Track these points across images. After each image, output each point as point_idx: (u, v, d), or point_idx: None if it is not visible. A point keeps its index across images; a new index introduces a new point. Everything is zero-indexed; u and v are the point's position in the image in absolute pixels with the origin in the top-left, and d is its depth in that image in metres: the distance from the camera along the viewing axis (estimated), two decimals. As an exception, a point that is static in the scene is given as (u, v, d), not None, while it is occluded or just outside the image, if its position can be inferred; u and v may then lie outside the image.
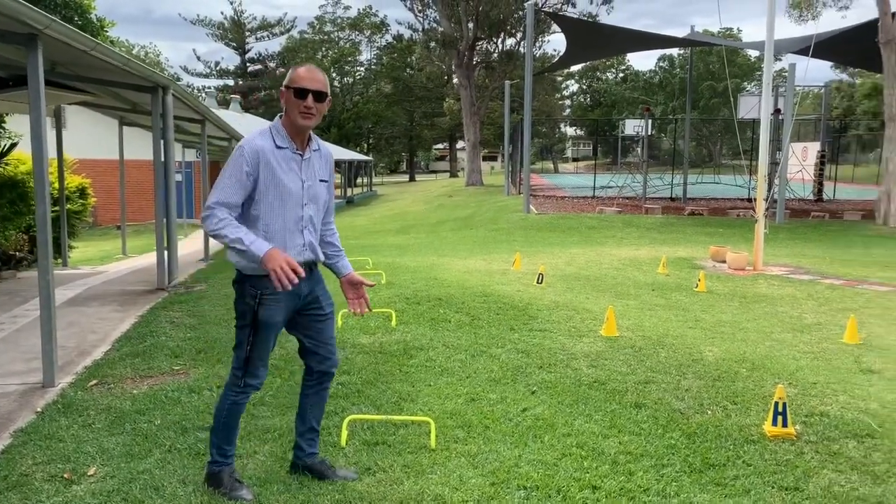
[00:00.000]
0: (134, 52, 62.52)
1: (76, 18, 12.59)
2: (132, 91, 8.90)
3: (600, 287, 8.72)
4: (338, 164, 36.48)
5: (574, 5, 40.15)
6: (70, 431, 3.87)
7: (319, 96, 2.95)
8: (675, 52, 61.32)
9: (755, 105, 20.54)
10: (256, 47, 61.40)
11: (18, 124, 11.18)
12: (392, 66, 60.97)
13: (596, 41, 25.54)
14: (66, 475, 3.33)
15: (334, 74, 61.80)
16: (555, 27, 34.40)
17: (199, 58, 68.94)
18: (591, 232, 17.39)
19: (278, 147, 2.95)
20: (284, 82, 2.99)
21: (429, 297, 7.41)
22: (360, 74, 65.46)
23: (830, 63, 47.07)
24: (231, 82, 59.43)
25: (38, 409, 4.23)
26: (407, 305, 7.00)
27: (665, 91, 63.56)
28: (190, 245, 16.23)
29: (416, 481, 3.27)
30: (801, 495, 3.20)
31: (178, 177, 23.33)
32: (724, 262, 10.95)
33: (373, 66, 65.65)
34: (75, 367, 5.16)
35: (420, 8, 43.18)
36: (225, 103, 43.64)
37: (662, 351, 5.49)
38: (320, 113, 2.98)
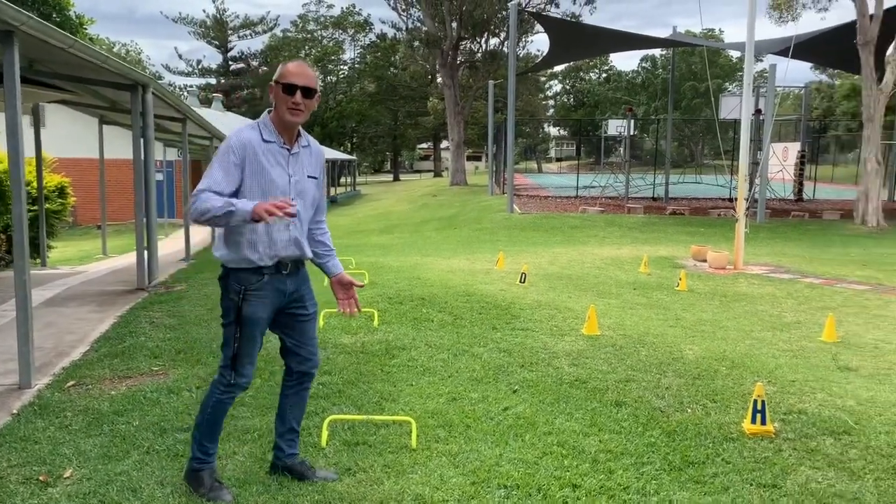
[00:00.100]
0: (115, 50, 61.98)
1: (54, 15, 12.47)
2: (111, 89, 8.83)
3: (582, 286, 8.75)
4: (321, 163, 36.28)
5: (557, 5, 40.33)
6: (46, 433, 3.82)
7: (308, 92, 2.93)
8: (657, 52, 61.68)
9: (736, 105, 20.70)
10: (239, 46, 60.94)
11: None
12: (376, 65, 60.81)
13: (579, 41, 25.61)
14: (41, 477, 3.29)
15: (317, 73, 61.48)
16: (538, 27, 34.46)
17: (181, 56, 68.60)
18: (573, 231, 17.45)
19: (265, 141, 2.93)
20: (274, 77, 2.96)
21: (412, 296, 7.40)
22: (343, 73, 65.26)
23: (810, 64, 47.56)
24: (213, 81, 59.05)
25: (14, 411, 4.18)
26: (389, 305, 6.99)
27: (647, 91, 63.89)
28: (171, 245, 16.12)
29: (397, 481, 3.26)
30: (779, 492, 3.23)
31: (159, 176, 23.17)
32: (705, 261, 11.03)
33: (356, 65, 65.46)
34: (53, 368, 5.10)
35: (404, 7, 43.15)
36: (207, 102, 43.33)
37: (643, 349, 5.52)
38: (309, 109, 2.96)
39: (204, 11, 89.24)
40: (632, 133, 26.76)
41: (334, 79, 63.14)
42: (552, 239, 16.04)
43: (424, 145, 77.47)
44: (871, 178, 18.77)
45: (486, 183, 34.13)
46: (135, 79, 7.94)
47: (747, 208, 11.32)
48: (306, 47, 62.23)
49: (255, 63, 60.36)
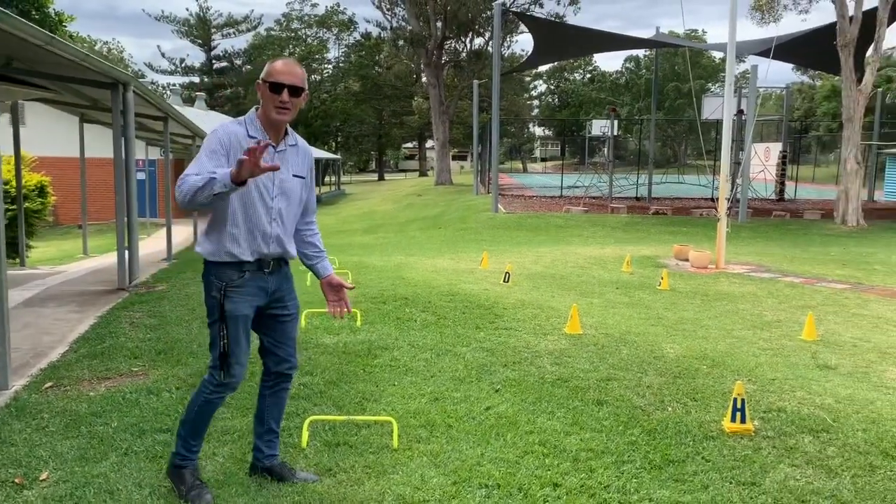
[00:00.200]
0: (97, 48, 61.41)
1: (34, 12, 12.32)
2: (92, 87, 8.75)
3: (566, 285, 8.77)
4: (305, 162, 36.15)
5: (542, 6, 40.43)
6: (22, 435, 3.77)
7: (295, 91, 2.90)
8: (641, 53, 62.06)
9: (719, 106, 20.84)
10: (223, 44, 60.84)
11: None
12: (360, 64, 60.66)
13: (563, 42, 25.70)
14: (17, 480, 3.25)
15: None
16: (523, 27, 34.55)
17: (163, 55, 67.86)
18: (557, 231, 17.50)
19: (251, 136, 2.90)
20: (261, 75, 2.94)
21: (395, 296, 7.38)
22: (327, 72, 65.04)
23: (792, 65, 47.99)
24: (196, 79, 58.64)
25: (-10, 413, 4.12)
26: (372, 305, 6.97)
27: (631, 92, 64.23)
28: (153, 244, 16.00)
29: (378, 482, 3.25)
30: (758, 490, 3.25)
31: (141, 175, 23.00)
32: (686, 260, 11.10)
33: (341, 64, 65.26)
34: (30, 369, 5.04)
35: (388, 6, 43.08)
36: (190, 101, 43.07)
37: (625, 348, 5.54)
38: (296, 107, 2.94)
39: (187, 10, 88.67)
40: (615, 133, 26.88)
41: (319, 78, 62.90)
42: (536, 238, 16.08)
43: (409, 145, 77.40)
44: (850, 178, 18.98)
45: (471, 182, 34.16)
46: (115, 77, 7.87)
47: (729, 208, 11.40)
48: (290, 46, 61.96)
49: (238, 62, 60.03)
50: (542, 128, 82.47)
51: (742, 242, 14.91)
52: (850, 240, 16.26)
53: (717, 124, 24.01)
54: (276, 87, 2.87)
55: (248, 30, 59.99)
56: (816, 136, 44.69)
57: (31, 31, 5.11)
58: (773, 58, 17.52)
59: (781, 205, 23.65)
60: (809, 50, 21.90)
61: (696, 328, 6.55)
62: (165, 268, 10.59)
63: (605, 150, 28.71)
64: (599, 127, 29.59)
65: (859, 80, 18.58)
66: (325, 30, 64.26)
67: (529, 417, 4.06)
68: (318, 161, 40.31)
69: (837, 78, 22.67)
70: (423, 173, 65.41)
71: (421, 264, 10.40)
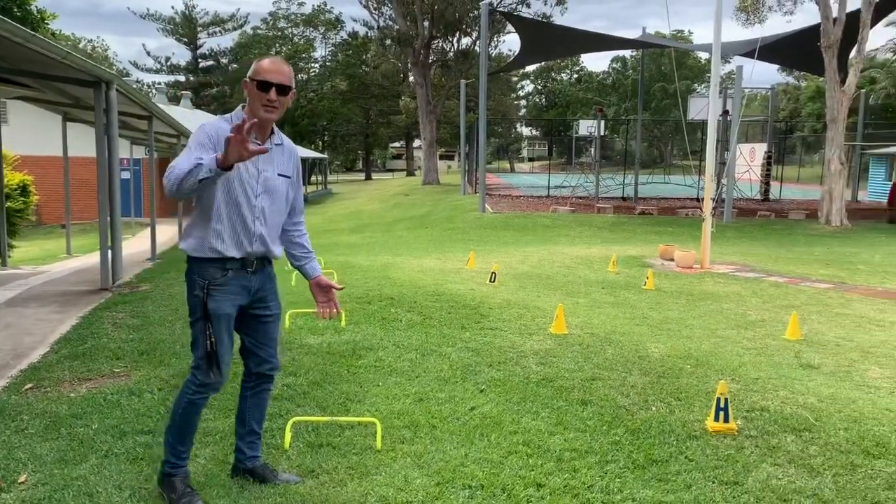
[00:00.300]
0: (80, 46, 60.91)
1: (15, 10, 12.20)
2: (74, 86, 8.68)
3: (552, 285, 8.78)
4: (292, 162, 35.98)
5: (529, 6, 40.47)
6: (1, 437, 3.72)
7: (283, 90, 2.88)
8: (627, 53, 62.30)
9: (705, 106, 20.95)
10: (208, 43, 60.46)
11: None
12: (347, 63, 60.51)
13: (550, 42, 25.76)
14: (-6, 483, 3.21)
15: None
16: (510, 27, 34.58)
17: (148, 53, 67.49)
18: (544, 231, 17.53)
19: None
20: (248, 73, 2.91)
21: (380, 296, 7.36)
22: (314, 71, 64.83)
23: (777, 66, 48.32)
24: (182, 78, 58.28)
25: (-31, 415, 4.07)
26: (358, 305, 6.95)
27: (618, 92, 64.49)
28: (137, 244, 15.89)
29: (361, 483, 3.24)
30: (741, 489, 3.26)
31: (126, 174, 22.83)
32: (672, 260, 11.14)
33: (328, 63, 65.07)
34: (10, 370, 4.98)
35: (375, 5, 42.99)
36: (176, 100, 42.80)
37: (609, 348, 5.55)
38: (284, 106, 2.92)
39: (172, 8, 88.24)
40: (602, 134, 26.95)
41: (305, 77, 62.70)
42: (523, 238, 16.10)
43: (397, 144, 77.31)
44: (834, 179, 19.13)
45: (458, 182, 34.16)
46: (98, 75, 7.80)
47: (714, 208, 11.46)
48: (277, 45, 61.71)
49: (224, 60, 59.71)
50: (530, 128, 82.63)
51: (727, 242, 14.99)
52: (833, 240, 16.39)
53: (703, 125, 24.14)
54: (263, 86, 2.85)
55: (235, 28, 59.72)
56: (801, 136, 45.03)
57: (11, 28, 5.05)
58: (759, 58, 17.64)
59: (766, 205, 23.81)
60: (794, 51, 22.07)
61: (681, 328, 6.57)
62: (149, 268, 10.52)
63: (592, 150, 28.80)
64: (586, 127, 29.65)
65: (843, 82, 18.73)
66: (311, 29, 64.07)
67: (514, 417, 4.06)
68: (304, 160, 40.17)
69: (822, 79, 22.85)
70: (410, 173, 65.33)
71: (407, 264, 10.38)
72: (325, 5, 63.28)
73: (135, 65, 59.81)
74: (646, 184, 28.40)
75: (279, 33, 63.34)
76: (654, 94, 58.23)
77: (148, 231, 15.45)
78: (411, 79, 47.74)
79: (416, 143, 61.33)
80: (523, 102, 74.83)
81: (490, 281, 8.64)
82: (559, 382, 4.67)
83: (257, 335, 3.14)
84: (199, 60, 58.77)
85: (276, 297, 3.18)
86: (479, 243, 14.70)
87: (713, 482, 3.32)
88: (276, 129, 3.02)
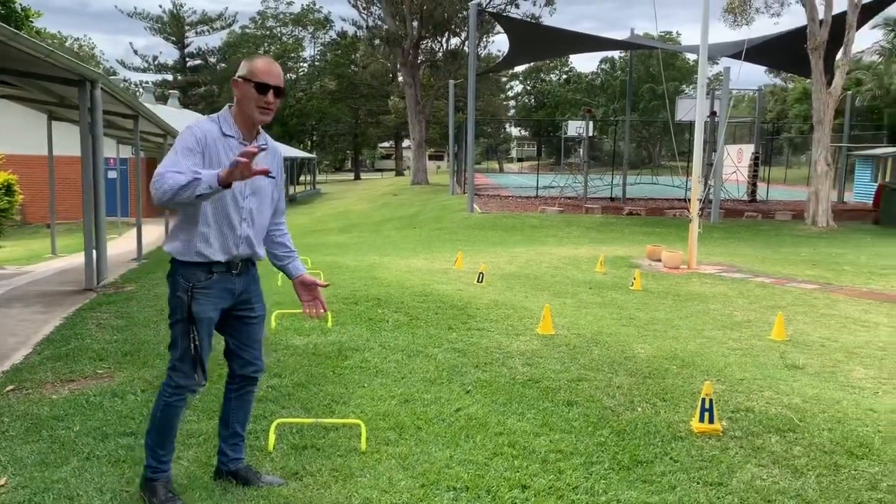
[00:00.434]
0: (67, 44, 60.47)
1: (-1, 8, 12.09)
2: (59, 84, 8.60)
3: (539, 286, 8.79)
4: (280, 161, 35.85)
5: (517, 6, 40.52)
6: (-19, 440, 3.68)
7: (279, 92, 2.89)
8: (616, 54, 62.46)
9: (692, 107, 21.04)
10: (196, 42, 60.15)
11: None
12: (336, 62, 60.36)
13: (539, 42, 25.77)
14: (-27, 486, 3.17)
15: (277, 70, 60.79)
16: (499, 27, 34.60)
17: (136, 52, 66.97)
18: (532, 231, 17.55)
19: (225, 135, 2.87)
20: (241, 73, 2.87)
21: (367, 296, 7.34)
22: (303, 71, 64.65)
23: (765, 68, 48.59)
24: (170, 77, 57.96)
25: (-52, 417, 4.02)
26: (344, 306, 6.92)
27: (606, 93, 64.64)
28: (123, 244, 15.78)
29: (345, 485, 3.22)
30: (725, 490, 3.26)
31: (113, 174, 22.68)
32: (659, 260, 11.17)
33: (316, 63, 64.90)
34: (-8, 371, 4.93)
35: (364, 5, 42.90)
36: (163, 99, 42.55)
37: (596, 349, 5.55)
38: (276, 108, 2.92)
39: (160, 7, 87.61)
40: (591, 134, 27.01)
41: (294, 76, 62.51)
42: (511, 239, 16.10)
43: (386, 144, 77.21)
44: (821, 180, 19.24)
45: (447, 182, 34.14)
46: (82, 74, 7.73)
47: (701, 209, 11.50)
48: (265, 44, 61.51)
49: (213, 60, 59.44)
50: (519, 128, 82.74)
51: (714, 243, 15.05)
52: (820, 240, 16.49)
53: (691, 126, 24.24)
54: (262, 88, 2.84)
55: (223, 27, 59.46)
56: (788, 137, 45.30)
57: (-7, 26, 5.00)
58: (746, 60, 17.73)
59: (753, 206, 23.93)
60: (781, 53, 22.19)
61: (667, 328, 6.58)
62: (135, 268, 10.45)
63: (581, 150, 28.87)
64: (575, 128, 29.70)
65: (829, 83, 18.85)
66: (300, 28, 63.88)
67: (499, 419, 4.05)
68: (293, 160, 40.06)
69: (808, 81, 23.02)
70: (399, 173, 65.26)
71: (395, 264, 10.36)
72: (314, 5, 63.14)
73: (122, 63, 59.55)
74: (634, 184, 28.49)
75: (268, 32, 63.13)
76: (643, 95, 58.42)
77: (134, 231, 15.35)
78: (400, 79, 47.68)
79: (406, 143, 61.27)
80: (512, 103, 74.91)
81: (478, 281, 8.63)
82: (545, 383, 4.67)
83: (241, 337, 3.12)
84: (187, 59, 58.49)
85: (260, 298, 3.16)
86: (467, 243, 14.70)
87: (698, 483, 3.33)
88: (261, 129, 3.01)
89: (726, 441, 3.79)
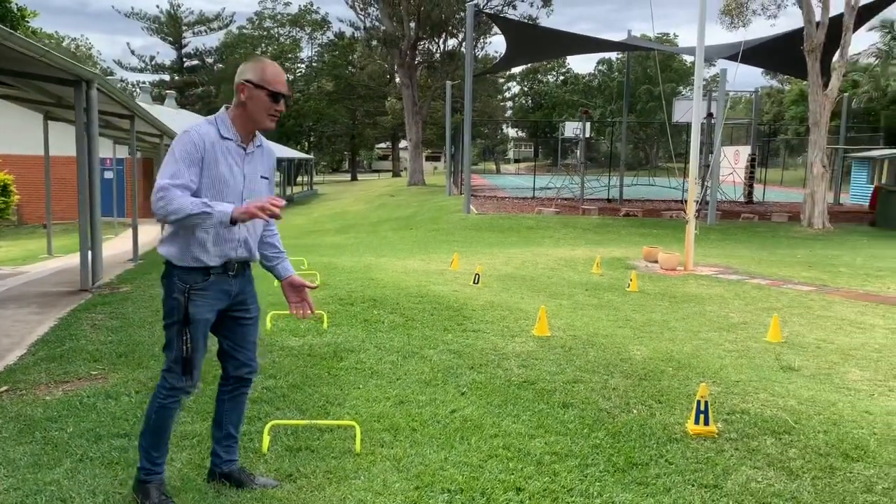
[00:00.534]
0: (64, 44, 60.36)
1: (-5, 8, 12.06)
2: (55, 84, 8.58)
3: (535, 287, 8.78)
4: (277, 162, 35.89)
5: (515, 7, 40.53)
6: (-26, 441, 3.66)
7: (287, 99, 2.94)
8: (613, 56, 62.50)
9: (689, 109, 21.05)
10: (194, 42, 59.86)
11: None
12: (334, 63, 60.36)
13: (536, 44, 25.77)
14: (-35, 488, 3.15)
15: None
16: (496, 29, 34.60)
17: (133, 52, 66.92)
18: (529, 232, 17.54)
19: (223, 138, 2.86)
20: (251, 78, 2.86)
21: (363, 297, 7.33)
22: (300, 71, 64.64)
23: (762, 70, 48.69)
24: (167, 77, 57.93)
25: (-59, 418, 4.00)
26: (340, 307, 6.90)
27: (604, 94, 64.69)
28: (120, 244, 15.75)
29: (339, 487, 3.21)
30: (720, 492, 3.26)
31: (110, 174, 22.62)
32: (656, 262, 11.17)
33: (314, 64, 64.88)
34: (-15, 372, 4.91)
35: (362, 6, 42.90)
36: (160, 99, 42.50)
37: (592, 350, 5.55)
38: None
39: (157, 7, 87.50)
40: (587, 135, 27.01)
41: (291, 77, 62.47)
42: (507, 240, 16.10)
43: (383, 145, 77.20)
44: (817, 182, 19.27)
45: (444, 183, 34.13)
46: (78, 74, 7.71)
47: (698, 210, 11.51)
48: (262, 45, 61.49)
49: (210, 60, 59.39)
50: (516, 129, 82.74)
51: (711, 244, 15.06)
52: (816, 242, 16.52)
53: (688, 127, 24.25)
54: (275, 97, 2.87)
55: (220, 28, 59.50)
56: (785, 139, 45.36)
57: (-12, 25, 4.98)
58: (742, 62, 17.74)
59: (750, 207, 23.95)
60: (777, 54, 22.22)
61: (663, 330, 6.58)
62: (131, 268, 10.43)
63: (578, 151, 28.87)
64: (572, 129, 29.69)
65: (825, 85, 18.88)
66: (297, 29, 63.87)
67: (494, 420, 4.04)
68: (290, 161, 40.05)
69: (805, 82, 23.04)
70: (396, 174, 65.27)
71: (391, 265, 10.34)
72: (312, 5, 63.25)
73: (119, 64, 59.59)
74: (631, 186, 28.50)
75: (265, 33, 63.12)
76: (640, 97, 58.44)
77: (131, 231, 15.30)
78: (397, 80, 47.71)
79: (403, 143, 61.33)
80: (509, 104, 74.93)
81: (474, 282, 8.63)
82: (541, 385, 4.66)
83: (236, 338, 3.11)
84: (184, 60, 58.47)
85: (255, 299, 3.15)
86: (464, 244, 14.69)
87: (692, 485, 3.32)
88: (257, 132, 3.01)
89: (721, 443, 3.79)
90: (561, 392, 4.54)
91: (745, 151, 27.99)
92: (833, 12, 18.98)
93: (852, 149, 30.68)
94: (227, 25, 59.61)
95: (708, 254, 12.88)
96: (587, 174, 26.40)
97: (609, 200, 25.03)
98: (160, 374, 3.02)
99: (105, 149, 18.29)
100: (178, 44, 57.88)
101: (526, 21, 37.28)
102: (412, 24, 39.71)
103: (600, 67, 68.78)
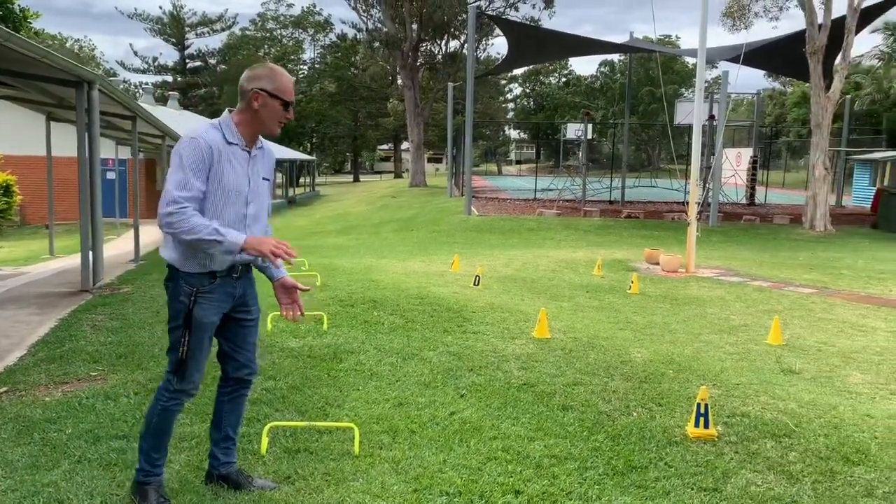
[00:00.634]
0: (68, 45, 60.48)
1: (-2, 9, 12.08)
2: (57, 85, 8.59)
3: (536, 289, 8.77)
4: (280, 163, 35.93)
5: (517, 9, 40.53)
6: (-28, 443, 3.66)
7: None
8: (616, 58, 62.50)
9: (691, 111, 21.03)
10: (196, 43, 60.20)
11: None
12: (336, 65, 60.45)
13: (538, 45, 25.77)
14: (-38, 489, 3.14)
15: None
16: (498, 30, 34.60)
17: (136, 53, 67.15)
18: (530, 234, 17.53)
19: (229, 143, 2.87)
20: (266, 87, 2.87)
21: (363, 299, 7.32)
22: (303, 73, 64.71)
23: (764, 72, 48.65)
24: (170, 78, 58.00)
25: (-60, 419, 4.00)
26: (340, 308, 6.90)
27: (606, 96, 64.68)
28: (122, 245, 15.75)
29: (337, 489, 3.20)
30: (720, 496, 3.25)
31: (112, 175, 22.65)
32: (657, 264, 11.15)
33: (316, 65, 64.96)
34: (-15, 373, 4.90)
35: (364, 8, 42.92)
36: (163, 100, 42.54)
37: (592, 353, 5.53)
38: None
39: (160, 8, 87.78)
40: (589, 137, 27.01)
41: (294, 78, 62.44)
42: (508, 241, 16.09)
43: (385, 146, 77.23)
44: (819, 184, 19.24)
45: (445, 185, 34.13)
46: (79, 75, 7.71)
47: (699, 212, 11.49)
48: (265, 46, 61.58)
49: (213, 61, 59.46)
50: (518, 131, 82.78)
51: (712, 246, 15.04)
52: (817, 244, 16.49)
53: (690, 129, 24.21)
54: (288, 106, 2.93)
55: (223, 29, 59.52)
56: (787, 141, 45.32)
57: (-11, 26, 4.98)
58: (744, 64, 17.72)
59: (751, 209, 23.93)
60: (779, 57, 22.20)
61: (664, 332, 6.57)
62: (132, 269, 10.42)
63: (580, 153, 28.88)
64: (574, 130, 29.70)
65: (828, 87, 18.85)
66: (300, 30, 63.97)
67: (494, 423, 4.03)
68: (292, 162, 40.06)
69: (807, 85, 23.03)
70: (398, 175, 65.29)
71: (392, 267, 10.34)
72: (314, 7, 63.36)
73: (122, 65, 59.58)
74: (633, 187, 28.48)
75: (268, 34, 63.23)
76: (642, 98, 58.44)
77: (132, 232, 15.28)
78: (399, 81, 47.74)
79: (404, 145, 61.32)
80: (511, 105, 74.96)
81: (474, 284, 8.62)
82: (540, 387, 4.65)
83: (237, 339, 3.11)
84: (187, 61, 58.54)
85: (256, 301, 3.16)
86: (464, 246, 14.68)
87: (692, 489, 3.31)
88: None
89: (721, 446, 3.78)
90: (561, 394, 4.52)
91: (746, 153, 27.97)
92: (835, 14, 18.97)
93: (854, 151, 30.64)
94: (229, 27, 59.70)
95: (709, 256, 12.86)
96: (589, 176, 26.39)
97: (611, 202, 25.01)
98: (164, 375, 3.01)
99: (107, 149, 18.30)
100: (180, 45, 57.96)
101: (528, 23, 37.28)
102: (414, 26, 39.73)
103: (602, 69, 68.81)
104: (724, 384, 4.83)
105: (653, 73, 57.02)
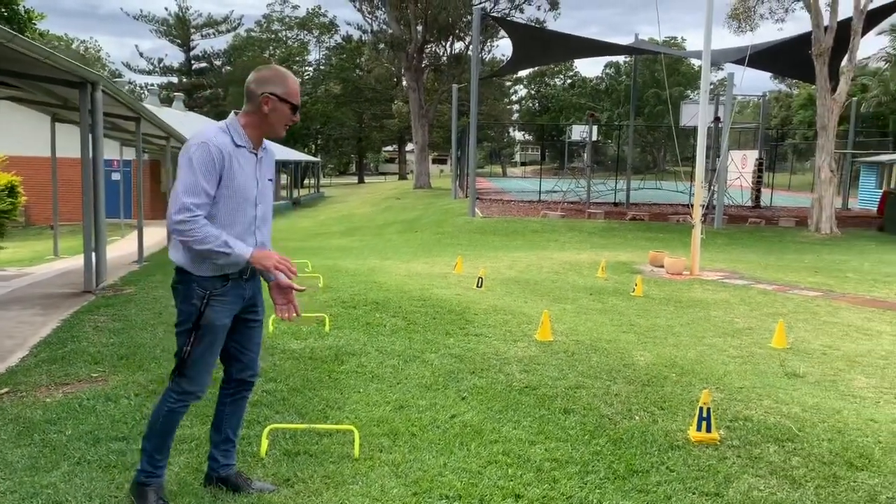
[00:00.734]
0: (73, 47, 60.70)
1: (2, 10, 12.12)
2: (61, 86, 8.60)
3: (539, 291, 8.75)
4: (284, 164, 35.98)
5: (522, 11, 40.52)
6: (-28, 444, 3.65)
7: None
8: (621, 59, 62.48)
9: (697, 113, 20.97)
10: (202, 45, 60.23)
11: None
12: (341, 66, 60.53)
13: (543, 47, 25.75)
14: (-39, 491, 3.14)
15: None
16: (503, 32, 34.59)
17: (141, 54, 67.58)
18: (534, 236, 17.50)
19: (237, 145, 2.87)
20: (275, 91, 2.88)
21: (366, 300, 7.31)
22: (308, 74, 64.81)
23: (770, 74, 48.51)
24: (175, 80, 58.15)
25: (-60, 420, 4.00)
26: (343, 310, 6.89)
27: (611, 98, 64.65)
28: (126, 245, 15.78)
29: (336, 492, 3.18)
30: (721, 501, 3.22)
31: (117, 175, 22.70)
32: (662, 266, 11.12)
33: (321, 67, 65.05)
34: (-13, 374, 4.90)
35: (369, 9, 42.99)
36: (168, 101, 42.64)
37: (595, 355, 5.51)
38: None
39: (166, 9, 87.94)
40: (595, 139, 26.97)
41: (299, 80, 62.58)
42: (512, 243, 16.07)
43: (389, 148, 77.30)
44: (824, 187, 19.16)
45: (450, 186, 34.12)
46: (83, 76, 7.73)
47: (704, 215, 11.45)
48: (271, 47, 61.69)
49: (218, 63, 59.59)
50: (523, 132, 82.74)
51: (717, 249, 14.99)
52: (823, 247, 16.42)
53: (696, 131, 24.16)
54: (296, 109, 2.96)
55: (228, 30, 59.73)
56: (793, 143, 45.22)
57: (-8, 27, 4.99)
58: (750, 66, 17.68)
59: (757, 212, 23.85)
60: (785, 59, 22.13)
61: (668, 335, 6.54)
62: (135, 270, 10.43)
63: (585, 155, 28.84)
64: (579, 132, 29.66)
65: (834, 90, 18.78)
66: (305, 32, 64.09)
67: (495, 426, 4.01)
68: (297, 164, 40.11)
69: (813, 87, 22.95)
70: (402, 176, 65.34)
71: (395, 268, 10.33)
72: (320, 9, 63.54)
73: (128, 66, 59.91)
74: (638, 189, 28.41)
75: (273, 36, 63.36)
76: (648, 100, 58.37)
77: (136, 233, 15.30)
78: (404, 83, 47.75)
79: (409, 146, 61.31)
80: (516, 107, 74.94)
81: (477, 286, 8.60)
82: (542, 390, 4.63)
83: (243, 340, 3.11)
84: (193, 62, 58.71)
85: (262, 301, 3.17)
86: (468, 248, 14.67)
87: (694, 493, 3.28)
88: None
89: (724, 450, 3.75)
90: (562, 398, 4.50)
91: (752, 156, 27.91)
92: (841, 16, 18.89)
93: (861, 153, 30.53)
94: (235, 28, 59.90)
95: (714, 258, 12.82)
96: (594, 178, 26.34)
97: (615, 204, 24.96)
98: (171, 377, 2.99)
99: (112, 150, 18.36)
100: (186, 46, 58.13)
101: (533, 24, 37.27)
102: (419, 28, 39.75)
103: (608, 71, 68.76)
104: (727, 388, 4.80)
105: (658, 75, 56.92)
